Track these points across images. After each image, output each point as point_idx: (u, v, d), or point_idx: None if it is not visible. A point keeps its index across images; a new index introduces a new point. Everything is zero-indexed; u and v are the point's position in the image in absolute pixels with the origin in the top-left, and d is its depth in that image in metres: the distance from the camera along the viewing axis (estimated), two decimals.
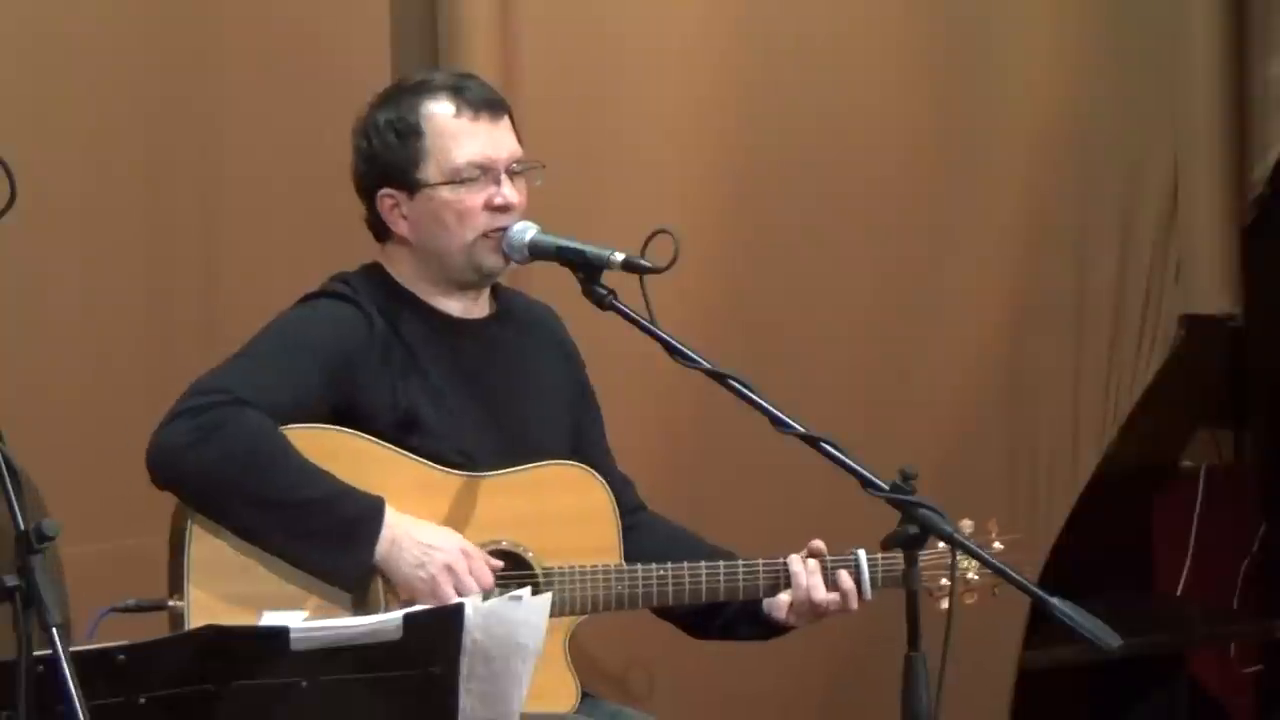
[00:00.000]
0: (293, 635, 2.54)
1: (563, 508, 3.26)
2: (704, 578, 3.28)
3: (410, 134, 3.26)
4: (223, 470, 3.06)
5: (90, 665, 2.39)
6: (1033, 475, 4.70)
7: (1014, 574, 2.89)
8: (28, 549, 2.39)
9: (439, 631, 2.63)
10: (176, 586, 3.09)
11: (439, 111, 3.27)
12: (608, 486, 3.30)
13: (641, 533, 3.40)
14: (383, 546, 3.10)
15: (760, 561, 3.32)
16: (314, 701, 2.55)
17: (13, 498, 2.42)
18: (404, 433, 3.19)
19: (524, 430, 3.31)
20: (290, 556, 3.10)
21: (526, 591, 2.74)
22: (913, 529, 2.87)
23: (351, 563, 3.10)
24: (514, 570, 3.21)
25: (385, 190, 3.27)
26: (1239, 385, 5.39)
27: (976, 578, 3.35)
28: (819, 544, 3.33)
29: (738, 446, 4.17)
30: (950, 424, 4.57)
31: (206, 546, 3.09)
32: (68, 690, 2.32)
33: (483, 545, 3.19)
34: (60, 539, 2.41)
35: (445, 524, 3.18)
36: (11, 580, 2.39)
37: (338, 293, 3.27)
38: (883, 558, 3.32)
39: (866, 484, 2.91)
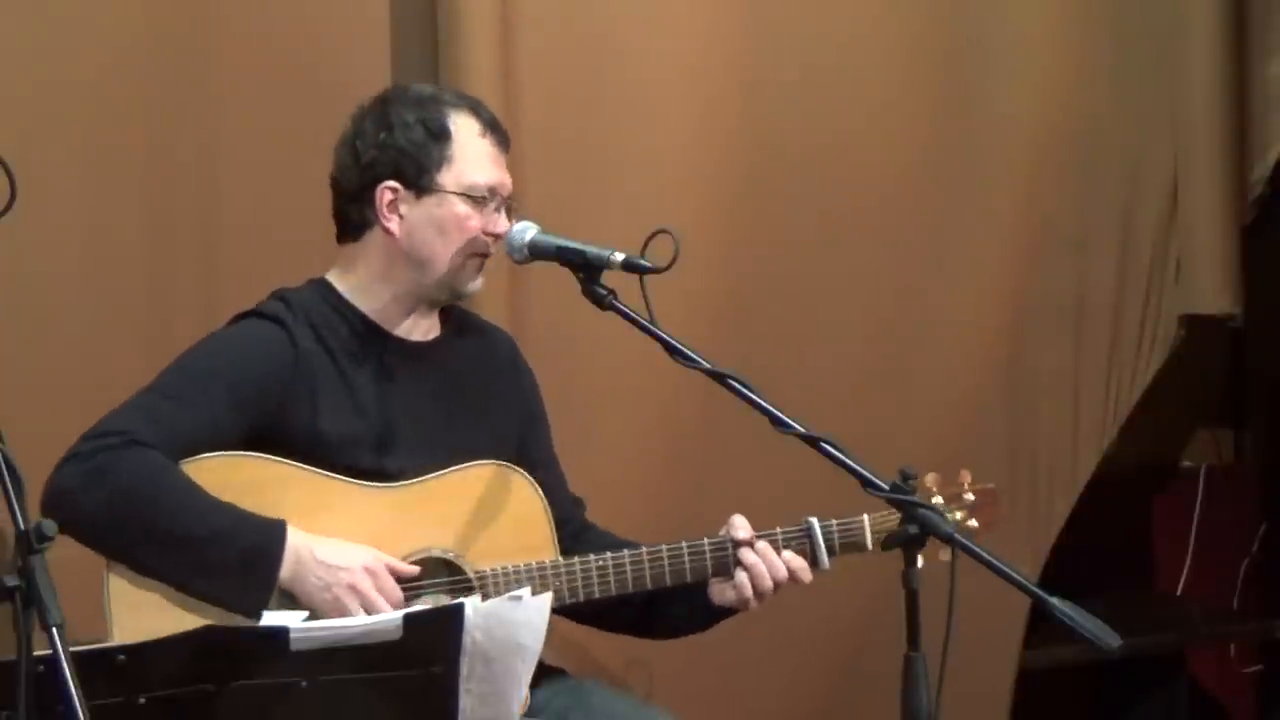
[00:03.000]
0: (292, 635, 2.54)
1: (491, 509, 3.23)
2: (646, 564, 3.24)
3: (440, 135, 3.25)
4: (114, 512, 3.02)
5: (90, 665, 2.39)
6: (1033, 475, 4.70)
7: (1014, 574, 2.89)
8: (28, 549, 2.39)
9: (439, 631, 2.63)
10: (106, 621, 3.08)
11: (466, 125, 3.27)
12: (534, 482, 3.27)
13: (582, 544, 3.36)
14: (287, 570, 3.06)
15: (706, 541, 3.28)
16: (314, 701, 2.55)
17: (13, 498, 2.43)
18: (328, 453, 3.16)
19: (459, 450, 3.26)
20: (195, 593, 3.05)
21: (526, 591, 2.73)
22: (913, 529, 2.88)
23: (255, 593, 3.05)
24: (447, 576, 3.20)
25: (390, 183, 3.25)
26: (1239, 385, 5.39)
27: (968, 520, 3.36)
28: (742, 527, 3.29)
29: (738, 447, 4.16)
30: (950, 424, 4.57)
31: (120, 583, 3.06)
32: (68, 690, 2.32)
33: (413, 554, 3.17)
34: (60, 540, 2.41)
35: (371, 537, 3.14)
36: (11, 580, 2.39)
37: (265, 313, 3.24)
38: (838, 523, 3.31)
39: (867, 484, 2.91)
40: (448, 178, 3.25)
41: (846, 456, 2.94)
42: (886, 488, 2.89)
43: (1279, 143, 4.81)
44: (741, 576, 3.28)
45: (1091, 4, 4.70)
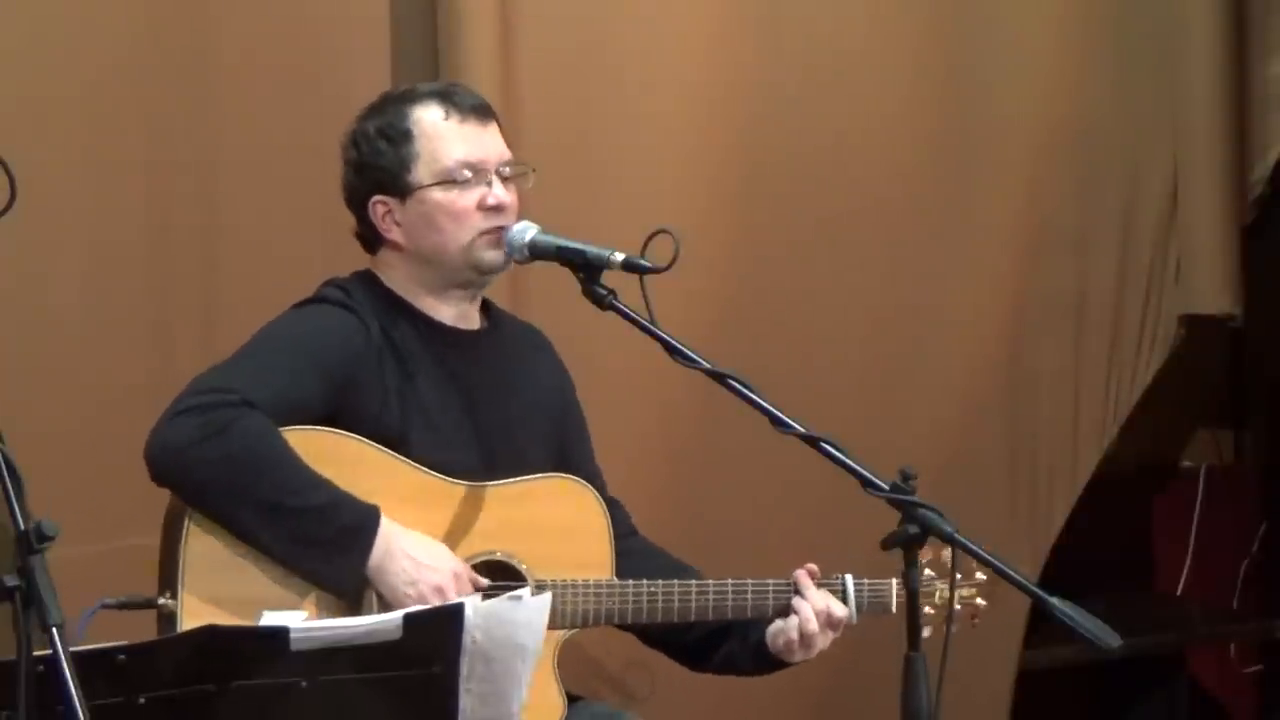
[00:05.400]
0: (293, 635, 2.54)
1: (557, 520, 3.26)
2: (694, 596, 3.28)
3: (400, 138, 3.26)
4: (225, 471, 3.04)
5: (90, 665, 2.39)
6: (1033, 475, 4.71)
7: (1014, 574, 2.89)
8: (28, 549, 2.39)
9: (439, 631, 2.63)
10: (168, 584, 3.08)
11: (427, 115, 3.28)
12: (602, 501, 3.31)
13: (632, 559, 3.37)
14: (376, 557, 3.09)
15: (750, 582, 3.32)
16: (314, 701, 2.55)
17: (13, 498, 2.43)
18: (390, 441, 3.18)
19: (507, 443, 3.30)
20: (285, 560, 3.08)
21: (526, 592, 2.74)
22: (913, 529, 2.87)
23: (345, 570, 3.09)
24: (506, 582, 3.20)
25: (377, 198, 3.27)
26: (1239, 385, 5.40)
27: (959, 608, 3.36)
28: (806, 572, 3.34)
29: (738, 447, 4.16)
30: (950, 424, 4.57)
31: (201, 545, 3.08)
32: (68, 690, 2.32)
33: (476, 555, 3.19)
34: (60, 540, 2.41)
35: (440, 532, 3.17)
36: (11, 580, 2.39)
37: (336, 300, 3.26)
38: (869, 584, 3.36)
39: (867, 484, 2.91)
40: (421, 173, 3.26)
41: (846, 456, 2.94)
42: (886, 488, 2.89)
43: (1279, 143, 4.81)
44: (792, 619, 3.32)
45: (1091, 4, 4.71)
